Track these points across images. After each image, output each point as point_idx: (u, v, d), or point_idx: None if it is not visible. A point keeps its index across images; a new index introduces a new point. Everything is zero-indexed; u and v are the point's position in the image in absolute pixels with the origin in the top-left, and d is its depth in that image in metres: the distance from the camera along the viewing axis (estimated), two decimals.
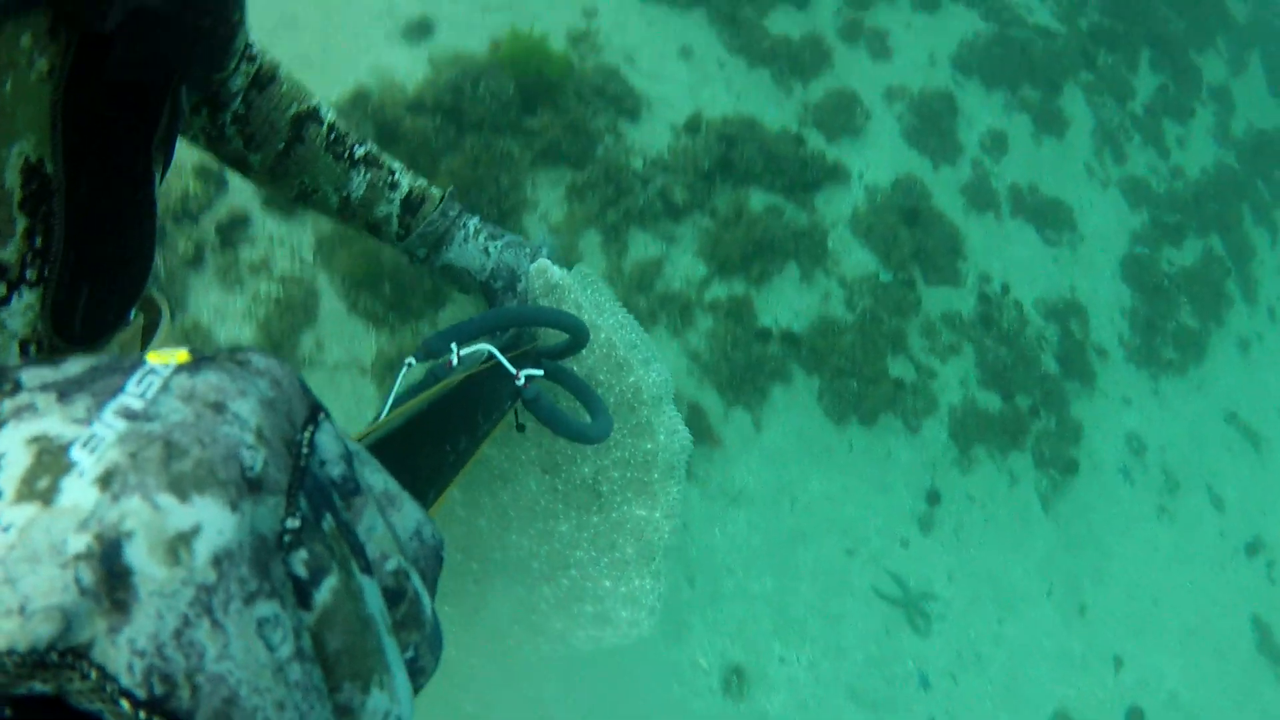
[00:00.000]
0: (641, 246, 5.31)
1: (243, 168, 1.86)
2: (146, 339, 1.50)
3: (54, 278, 1.17)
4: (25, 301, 1.14)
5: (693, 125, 5.74)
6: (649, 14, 6.11)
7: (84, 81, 1.10)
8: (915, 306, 6.04)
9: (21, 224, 1.09)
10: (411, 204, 1.96)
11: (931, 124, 6.77)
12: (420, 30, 5.41)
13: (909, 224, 6.21)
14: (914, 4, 7.35)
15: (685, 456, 2.10)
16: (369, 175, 1.92)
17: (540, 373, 1.77)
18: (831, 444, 5.57)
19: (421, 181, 2.01)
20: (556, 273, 1.97)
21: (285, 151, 1.82)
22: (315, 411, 0.50)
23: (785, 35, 6.43)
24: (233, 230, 4.59)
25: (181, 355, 0.48)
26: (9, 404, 0.44)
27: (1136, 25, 8.64)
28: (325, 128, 1.88)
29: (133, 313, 1.43)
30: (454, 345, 1.71)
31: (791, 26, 6.55)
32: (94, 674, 0.38)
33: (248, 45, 1.60)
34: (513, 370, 1.70)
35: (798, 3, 6.68)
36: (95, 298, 1.27)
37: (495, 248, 2.03)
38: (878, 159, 6.41)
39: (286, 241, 4.64)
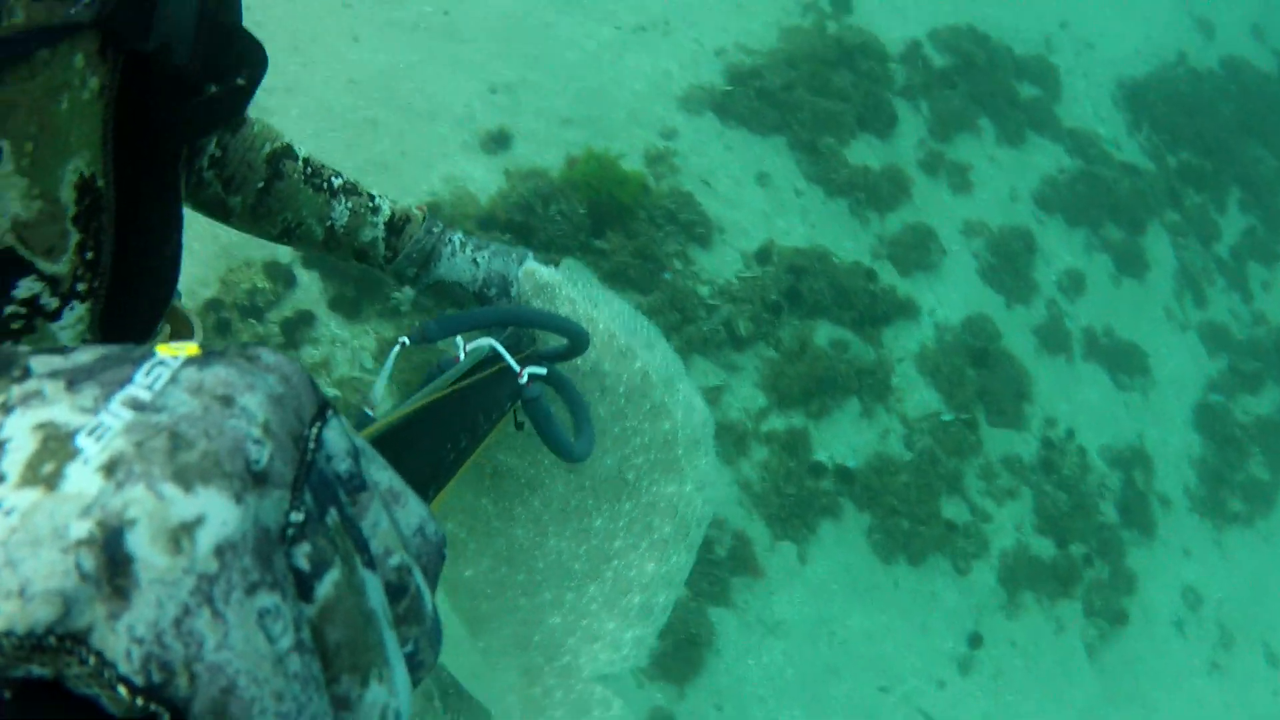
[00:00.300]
0: (702, 375, 5.38)
1: (224, 213, 1.86)
2: None
3: (102, 290, 1.22)
4: (76, 314, 1.18)
5: (764, 254, 5.82)
6: (729, 137, 6.21)
7: (129, 100, 1.17)
8: (976, 448, 6.02)
9: (75, 238, 1.14)
10: (395, 226, 1.96)
11: (1008, 262, 6.78)
12: (498, 142, 5.55)
13: (977, 364, 6.21)
14: (998, 137, 7.37)
15: (708, 429, 2.09)
16: (350, 203, 1.93)
17: (544, 371, 1.79)
18: (877, 581, 5.57)
19: (402, 204, 2.02)
20: (545, 272, 1.98)
21: (265, 190, 1.84)
22: (324, 408, 0.51)
23: (865, 166, 6.49)
24: (297, 329, 4.72)
25: (191, 349, 0.49)
26: (17, 390, 0.44)
27: (1228, 164, 8.57)
28: (301, 162, 1.88)
29: (160, 325, 1.48)
30: (460, 339, 1.73)
31: (872, 156, 6.61)
32: (92, 659, 0.39)
33: None
34: (516, 367, 1.73)
35: (879, 132, 6.74)
36: (133, 309, 1.32)
37: (483, 257, 2.03)
38: (950, 296, 6.42)
39: (349, 345, 4.76)
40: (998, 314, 6.55)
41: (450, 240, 2.04)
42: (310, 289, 4.74)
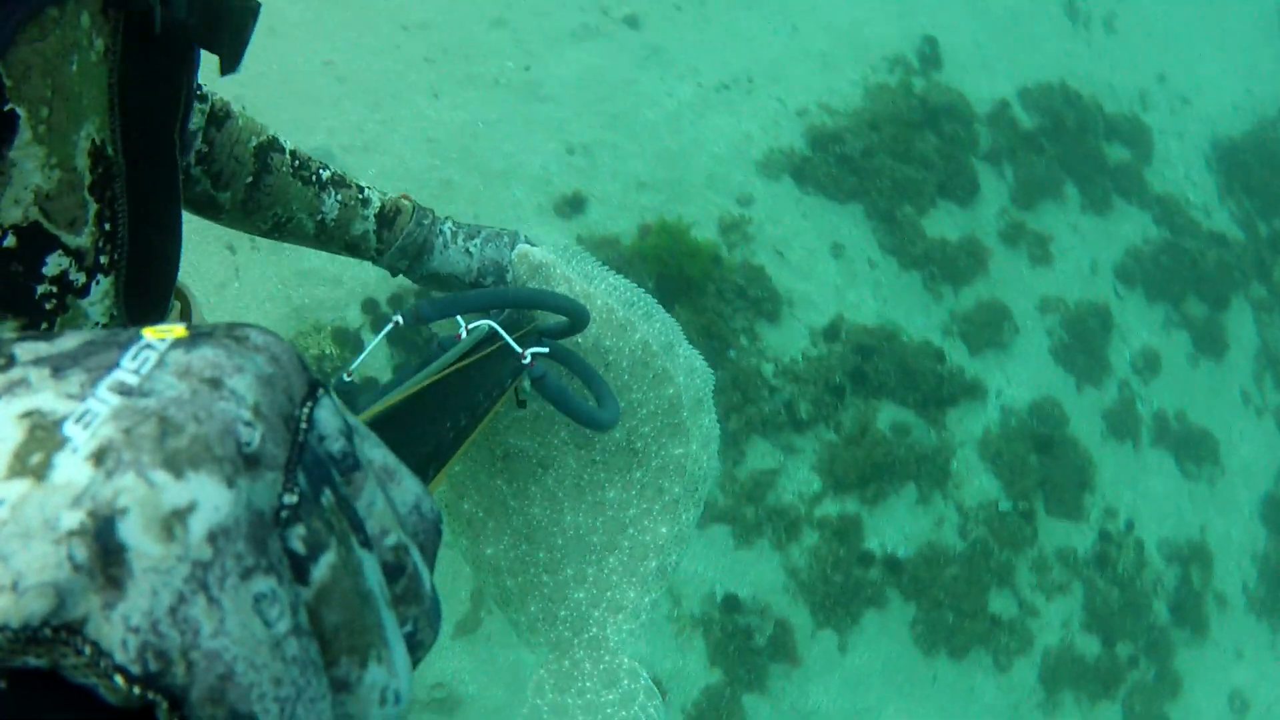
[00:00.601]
0: (759, 456, 5.31)
1: (214, 210, 1.85)
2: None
3: (122, 263, 1.22)
4: (102, 288, 1.19)
5: (832, 331, 5.71)
6: (805, 205, 6.09)
7: (130, 63, 1.16)
8: (1030, 540, 5.92)
9: (93, 208, 1.13)
10: (386, 218, 1.97)
11: (1082, 341, 6.61)
12: (572, 206, 5.47)
13: (1040, 451, 6.09)
14: (1083, 204, 7.18)
15: (709, 386, 2.11)
16: (340, 195, 1.92)
17: (546, 350, 1.78)
18: (916, 674, 5.50)
19: (392, 195, 2.02)
20: (537, 253, 1.98)
21: (254, 184, 1.84)
22: (314, 388, 0.51)
23: (942, 237, 6.34)
24: (363, 393, 4.73)
25: (178, 331, 0.48)
26: (2, 378, 0.44)
27: None
28: (288, 155, 1.88)
29: (171, 301, 1.48)
30: (460, 319, 1.72)
31: (951, 226, 6.45)
32: (88, 650, 0.39)
33: (198, 85, 1.61)
34: (519, 349, 1.71)
35: (960, 200, 6.58)
36: (149, 281, 1.32)
37: (476, 246, 2.04)
38: (1019, 376, 6.29)
39: None
40: (1067, 397, 6.41)
41: (442, 231, 2.04)
42: (377, 354, 4.74)
